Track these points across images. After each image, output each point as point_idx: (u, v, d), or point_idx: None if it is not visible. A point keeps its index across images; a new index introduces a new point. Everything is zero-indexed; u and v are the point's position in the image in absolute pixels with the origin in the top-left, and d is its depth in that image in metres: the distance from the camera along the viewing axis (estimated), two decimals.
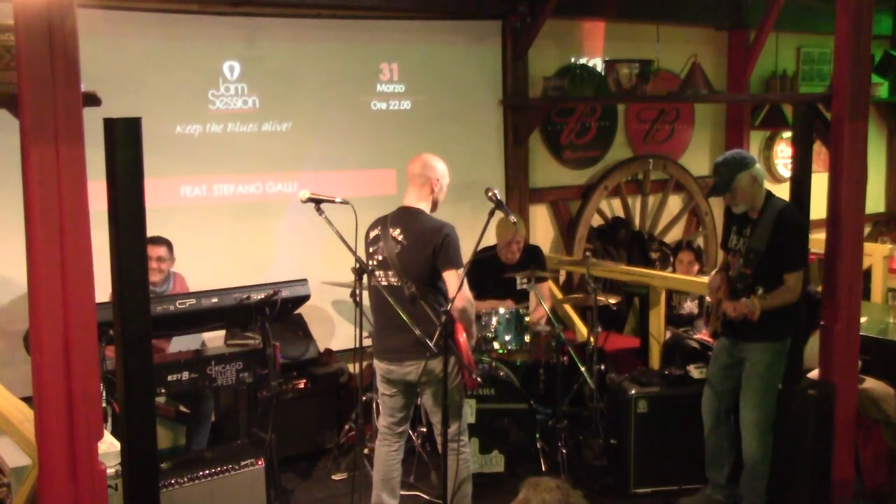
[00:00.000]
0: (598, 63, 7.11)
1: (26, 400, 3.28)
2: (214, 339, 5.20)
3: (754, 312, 4.26)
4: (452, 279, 4.00)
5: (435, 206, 4.27)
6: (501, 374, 5.22)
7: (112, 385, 3.86)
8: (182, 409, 5.09)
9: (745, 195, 4.45)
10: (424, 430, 5.13)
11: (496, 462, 5.05)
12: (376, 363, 4.28)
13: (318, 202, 3.99)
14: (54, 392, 2.79)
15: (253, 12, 5.68)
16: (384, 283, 4.14)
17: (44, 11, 2.64)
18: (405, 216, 4.18)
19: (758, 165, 4.50)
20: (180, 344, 5.07)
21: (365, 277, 4.09)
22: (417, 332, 3.88)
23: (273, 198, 5.86)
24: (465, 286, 3.98)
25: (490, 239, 5.69)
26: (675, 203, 7.80)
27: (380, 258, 4.16)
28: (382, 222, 4.22)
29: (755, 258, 4.38)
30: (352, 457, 5.02)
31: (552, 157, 7.12)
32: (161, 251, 5.02)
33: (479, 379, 4.27)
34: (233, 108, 5.67)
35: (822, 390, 4.53)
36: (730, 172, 4.42)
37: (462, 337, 4.07)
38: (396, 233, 4.14)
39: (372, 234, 4.25)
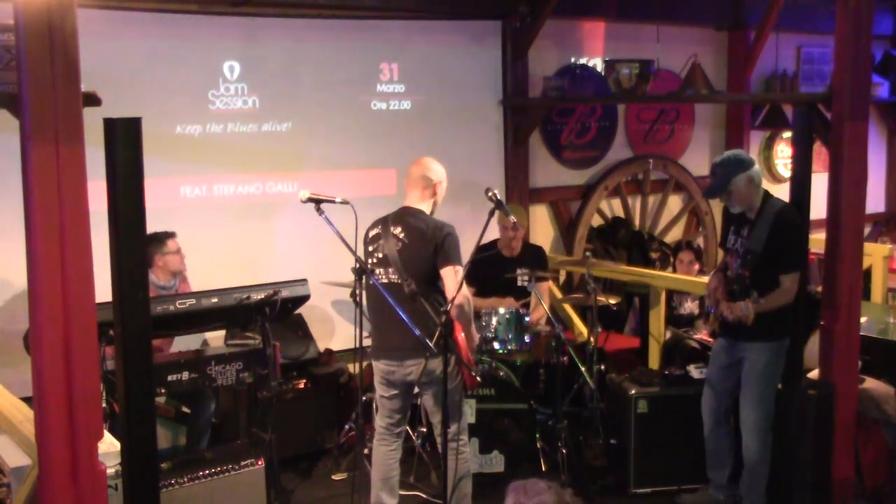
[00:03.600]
0: (598, 63, 7.11)
1: (26, 400, 3.28)
2: (215, 338, 5.20)
3: (749, 316, 4.25)
4: (450, 276, 4.02)
5: (435, 207, 4.31)
6: (501, 374, 5.22)
7: (112, 385, 3.85)
8: (184, 409, 5.08)
9: (742, 197, 4.45)
10: (424, 430, 5.13)
11: (496, 462, 5.05)
12: (375, 364, 4.28)
13: (318, 202, 4.00)
14: (54, 392, 2.79)
15: (253, 12, 5.67)
16: (384, 280, 4.15)
17: (44, 11, 2.64)
18: (407, 215, 4.22)
19: (756, 167, 4.49)
20: (179, 343, 5.07)
21: (365, 277, 4.10)
22: (417, 332, 3.87)
23: (273, 198, 5.86)
24: (464, 286, 3.99)
25: (490, 235, 5.68)
26: (675, 203, 7.80)
27: (380, 256, 4.19)
28: (383, 222, 4.25)
29: (752, 259, 4.37)
30: (352, 457, 5.03)
31: (552, 157, 7.12)
32: (178, 243, 5.05)
33: (478, 378, 4.27)
34: (233, 108, 5.67)
35: (822, 390, 4.53)
36: (726, 174, 4.42)
37: (461, 335, 4.08)
38: (398, 231, 4.17)
39: (372, 234, 4.27)
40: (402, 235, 4.15)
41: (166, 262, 4.96)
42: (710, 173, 4.58)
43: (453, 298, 3.90)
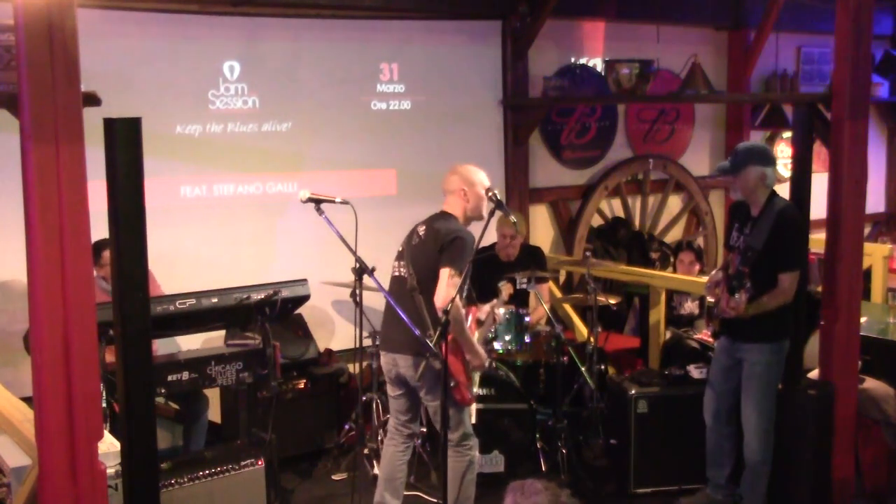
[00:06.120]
0: (598, 63, 7.11)
1: (26, 400, 3.28)
2: (215, 338, 5.20)
3: (740, 306, 4.25)
4: (443, 277, 4.00)
5: (471, 214, 4.27)
6: (501, 374, 5.22)
7: (112, 385, 3.85)
8: (172, 404, 5.06)
9: (746, 187, 4.46)
10: (424, 430, 5.12)
11: (496, 462, 5.05)
12: (381, 358, 4.34)
13: (318, 202, 4.02)
14: (54, 392, 2.79)
15: (253, 12, 5.68)
16: (395, 273, 4.26)
17: (44, 11, 2.65)
18: (435, 217, 4.28)
19: (773, 168, 4.48)
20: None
21: (365, 277, 4.12)
22: (417, 332, 3.90)
23: (273, 198, 5.86)
24: (452, 290, 3.93)
25: (489, 238, 5.68)
26: (675, 203, 7.80)
27: (400, 249, 4.31)
28: (420, 222, 4.32)
29: (752, 256, 4.37)
30: (352, 457, 5.03)
31: (552, 157, 7.12)
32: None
33: (472, 397, 4.22)
34: (233, 108, 5.67)
35: (822, 390, 4.53)
36: (743, 160, 4.44)
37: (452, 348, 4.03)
38: (421, 229, 4.26)
39: (410, 231, 4.36)
40: (422, 233, 4.23)
41: (107, 273, 4.70)
42: (731, 153, 4.59)
43: (451, 299, 3.90)
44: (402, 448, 4.36)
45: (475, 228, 4.09)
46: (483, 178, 4.29)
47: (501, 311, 5.24)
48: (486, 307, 4.69)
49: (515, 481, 2.39)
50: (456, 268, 4.00)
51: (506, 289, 5.24)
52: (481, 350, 4.24)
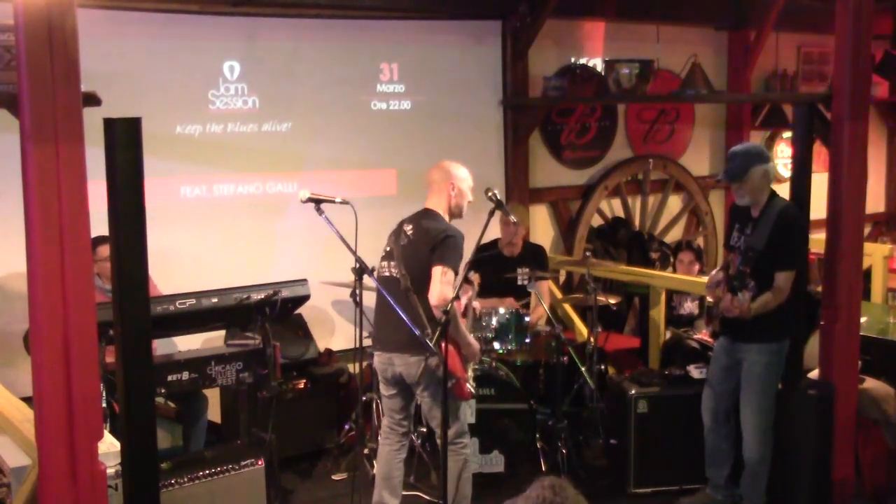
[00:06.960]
0: (598, 63, 7.11)
1: (26, 400, 3.28)
2: (215, 338, 5.20)
3: (743, 306, 4.25)
4: (436, 275, 4.03)
5: (454, 210, 4.33)
6: (501, 374, 5.22)
7: (112, 385, 3.85)
8: (170, 404, 5.06)
9: (754, 189, 4.46)
10: (424, 430, 5.13)
11: (496, 462, 5.05)
12: (375, 358, 4.34)
13: (318, 202, 4.03)
14: (54, 392, 2.80)
15: (253, 12, 5.67)
16: (385, 273, 4.25)
17: (44, 11, 2.65)
18: (421, 216, 4.30)
19: (772, 164, 4.51)
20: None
21: (365, 277, 4.13)
22: (417, 331, 3.90)
23: (273, 198, 5.86)
24: (448, 289, 3.96)
25: (491, 235, 5.68)
26: (675, 203, 7.80)
27: (388, 249, 4.30)
28: (404, 220, 4.34)
29: (753, 256, 4.37)
30: (352, 457, 5.03)
31: (552, 157, 7.12)
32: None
33: (471, 390, 4.24)
34: (233, 108, 5.67)
35: (822, 390, 4.53)
36: (746, 162, 4.43)
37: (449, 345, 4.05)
38: (408, 228, 4.26)
39: (393, 230, 4.37)
40: (410, 232, 4.23)
41: (101, 269, 4.72)
42: (728, 159, 4.59)
43: (454, 298, 3.91)
44: (398, 447, 4.38)
45: (475, 229, 4.09)
46: (467, 176, 4.35)
47: (500, 309, 5.26)
48: (464, 299, 4.71)
49: (544, 477, 2.41)
50: (448, 265, 4.03)
51: (475, 278, 5.25)
52: (474, 340, 4.30)
